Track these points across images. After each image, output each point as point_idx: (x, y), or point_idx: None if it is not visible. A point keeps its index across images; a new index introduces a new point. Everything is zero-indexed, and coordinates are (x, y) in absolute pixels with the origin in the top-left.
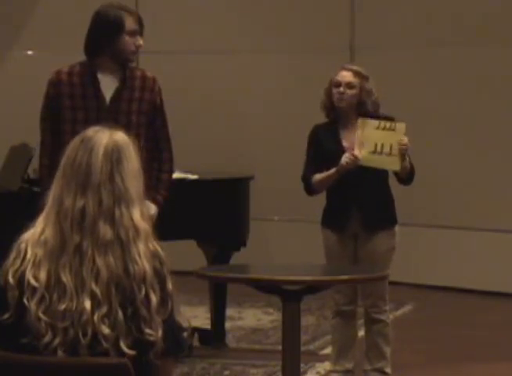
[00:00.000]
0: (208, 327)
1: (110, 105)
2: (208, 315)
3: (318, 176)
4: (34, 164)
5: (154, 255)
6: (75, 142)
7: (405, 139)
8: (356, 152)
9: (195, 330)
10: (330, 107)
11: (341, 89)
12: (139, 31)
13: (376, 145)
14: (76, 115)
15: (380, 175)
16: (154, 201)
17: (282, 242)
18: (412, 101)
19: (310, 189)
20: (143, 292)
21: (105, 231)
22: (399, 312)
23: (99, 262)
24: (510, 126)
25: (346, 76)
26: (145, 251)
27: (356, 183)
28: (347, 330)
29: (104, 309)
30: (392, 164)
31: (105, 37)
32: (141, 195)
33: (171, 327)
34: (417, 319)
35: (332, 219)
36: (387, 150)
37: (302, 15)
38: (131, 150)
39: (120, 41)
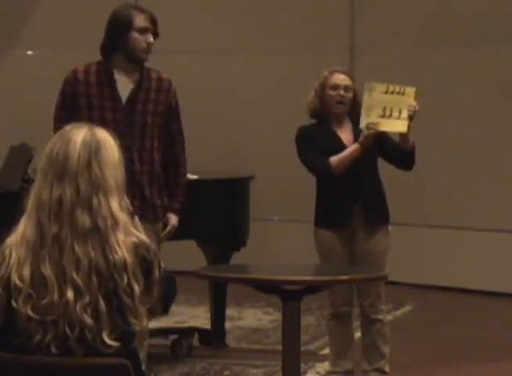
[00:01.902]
0: (208, 327)
1: (126, 105)
2: (208, 315)
3: (337, 157)
4: (34, 164)
5: (139, 244)
6: (53, 138)
7: (415, 103)
8: (364, 118)
9: (195, 330)
10: (321, 110)
11: (342, 92)
12: (152, 29)
13: (384, 109)
14: (92, 115)
15: (374, 171)
16: (173, 210)
17: (282, 242)
18: None
19: (331, 173)
20: (125, 281)
21: (83, 219)
22: (399, 312)
23: (79, 251)
24: (509, 126)
25: (344, 79)
26: (124, 241)
27: (355, 181)
28: (344, 332)
29: (86, 299)
30: (400, 127)
31: (116, 35)
32: (121, 187)
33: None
34: (417, 319)
35: (331, 218)
36: (395, 114)
37: (302, 15)
38: (110, 141)
39: (129, 39)
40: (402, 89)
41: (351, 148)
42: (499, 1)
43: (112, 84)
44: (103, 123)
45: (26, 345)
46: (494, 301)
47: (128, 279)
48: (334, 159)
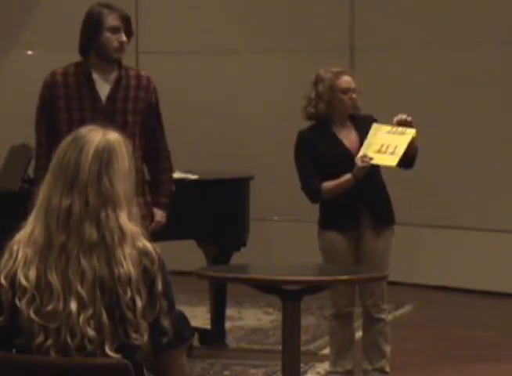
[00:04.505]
0: (208, 327)
1: (106, 105)
2: (208, 315)
3: (329, 184)
4: (34, 164)
5: (144, 254)
6: (66, 140)
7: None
8: (362, 152)
9: (195, 330)
10: (326, 113)
11: (354, 95)
12: (124, 28)
13: (382, 145)
14: (72, 116)
15: (377, 172)
16: (159, 205)
17: (282, 242)
18: (412, 101)
19: (319, 198)
20: (128, 295)
21: (90, 232)
22: (399, 312)
23: (84, 263)
24: (509, 126)
25: (351, 82)
26: (131, 254)
27: (360, 183)
28: (345, 332)
29: (89, 311)
30: (389, 160)
31: (88, 35)
32: (130, 196)
33: (172, 319)
34: (417, 319)
35: (340, 221)
36: (390, 150)
37: (302, 15)
38: (123, 150)
39: (101, 38)
40: (403, 130)
41: (344, 178)
42: (498, 1)
43: (91, 84)
44: (83, 123)
45: (26, 346)
46: (494, 301)
47: (132, 293)
48: (326, 186)
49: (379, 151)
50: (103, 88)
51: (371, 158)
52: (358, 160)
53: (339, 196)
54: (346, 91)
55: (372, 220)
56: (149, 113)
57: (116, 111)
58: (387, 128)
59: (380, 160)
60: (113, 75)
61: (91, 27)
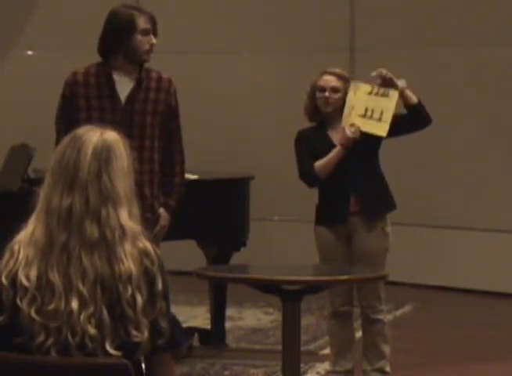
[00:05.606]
0: (208, 327)
1: (125, 105)
2: (208, 315)
3: (319, 162)
4: (34, 164)
5: (144, 254)
6: (65, 140)
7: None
8: (345, 115)
9: (195, 330)
10: (314, 111)
11: (327, 94)
12: (152, 30)
13: (366, 109)
14: (91, 115)
15: (373, 167)
16: (166, 207)
17: (282, 242)
18: None
19: (315, 178)
20: (129, 292)
21: (91, 230)
22: (399, 312)
23: (86, 261)
24: (508, 126)
25: (330, 80)
26: (131, 252)
27: (352, 178)
28: (344, 332)
29: (90, 309)
30: (379, 130)
31: (118, 37)
32: (130, 195)
33: (167, 323)
34: (417, 319)
35: (328, 216)
36: (377, 115)
37: (302, 15)
38: (121, 149)
39: (133, 41)
40: (386, 92)
41: (334, 151)
42: (499, 1)
43: (111, 84)
44: (102, 123)
45: (26, 345)
46: (494, 301)
47: (132, 290)
48: (318, 164)
49: (364, 116)
50: (124, 89)
51: (358, 125)
52: (347, 130)
53: (329, 190)
54: (321, 89)
55: (363, 216)
56: (168, 116)
57: (134, 112)
58: (367, 87)
59: (368, 127)
60: (134, 76)
61: (123, 29)
